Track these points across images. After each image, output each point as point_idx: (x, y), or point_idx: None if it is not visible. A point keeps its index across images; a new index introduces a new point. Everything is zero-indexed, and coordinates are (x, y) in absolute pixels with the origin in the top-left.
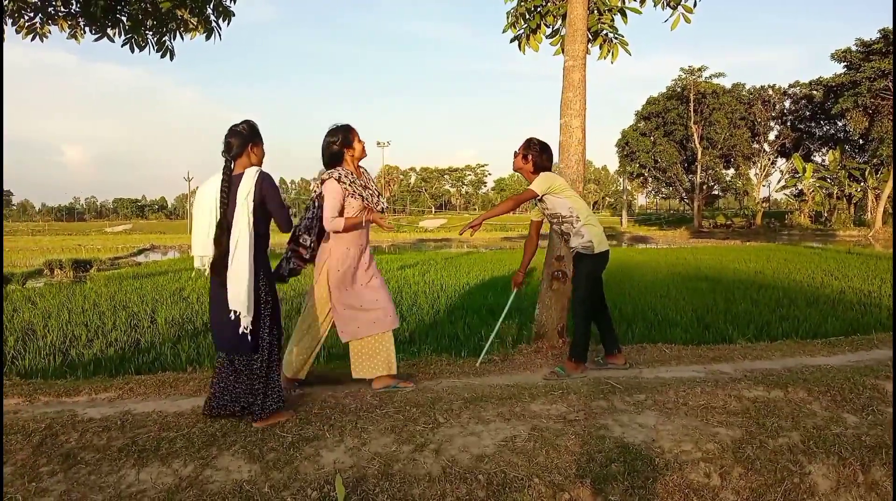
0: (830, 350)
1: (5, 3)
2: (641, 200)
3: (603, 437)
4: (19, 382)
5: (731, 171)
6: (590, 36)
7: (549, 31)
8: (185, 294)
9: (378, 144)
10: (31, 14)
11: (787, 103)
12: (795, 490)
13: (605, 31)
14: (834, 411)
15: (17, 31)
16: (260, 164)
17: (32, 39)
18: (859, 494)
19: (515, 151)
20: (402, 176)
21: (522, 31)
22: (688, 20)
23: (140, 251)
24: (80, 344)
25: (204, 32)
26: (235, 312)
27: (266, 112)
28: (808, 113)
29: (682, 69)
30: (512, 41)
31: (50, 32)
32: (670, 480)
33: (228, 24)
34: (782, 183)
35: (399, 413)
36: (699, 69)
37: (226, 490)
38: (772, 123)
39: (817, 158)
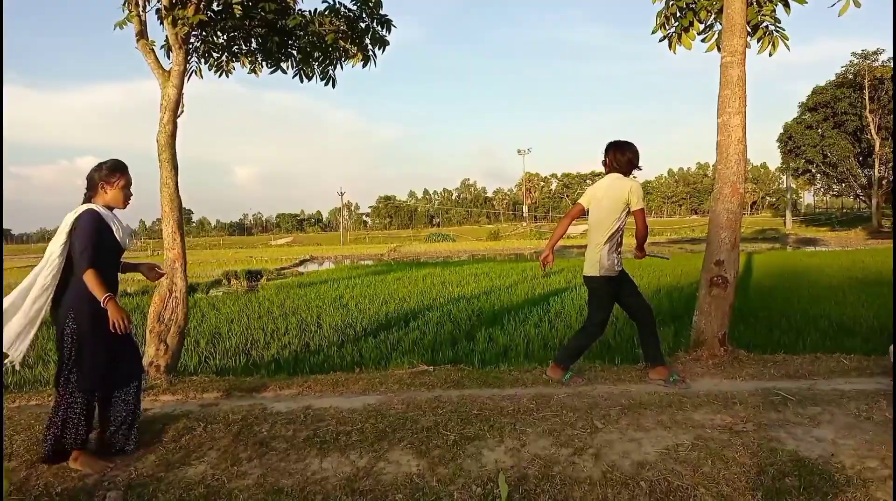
0: None
1: (197, 44)
2: (808, 198)
3: (775, 449)
4: (216, 379)
5: None
6: (748, 29)
7: (701, 27)
8: (344, 301)
9: (518, 152)
10: (218, 54)
11: None
12: None
13: (765, 24)
14: None
15: (210, 69)
16: (119, 201)
17: (220, 76)
18: None
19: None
20: (542, 183)
21: (673, 29)
22: (857, 5)
23: (301, 262)
24: (260, 346)
25: (362, 60)
26: None
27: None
28: None
29: (853, 54)
30: (661, 41)
31: (234, 69)
32: (852, 497)
33: (383, 51)
34: None
35: (556, 417)
36: (875, 53)
37: (398, 481)
38: None
39: None
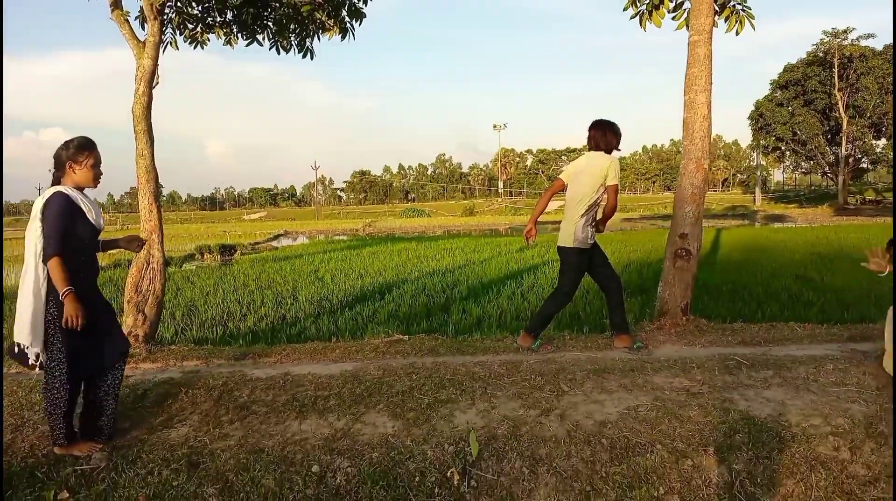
0: None
1: (171, 15)
2: (778, 176)
3: (727, 409)
4: (195, 347)
5: (882, 141)
6: (716, 8)
7: (672, 5)
8: (319, 275)
9: (494, 126)
10: (193, 25)
11: None
12: None
13: (732, 3)
14: None
15: (185, 41)
16: (89, 181)
17: (195, 47)
18: None
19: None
20: (518, 158)
21: (644, 7)
22: None
23: (275, 237)
24: (236, 318)
25: (339, 33)
26: (18, 344)
27: (386, 99)
28: None
29: (824, 32)
30: (633, 17)
31: (209, 40)
32: (797, 452)
33: (360, 24)
34: None
35: (525, 381)
36: (844, 31)
37: (374, 441)
38: None
39: None
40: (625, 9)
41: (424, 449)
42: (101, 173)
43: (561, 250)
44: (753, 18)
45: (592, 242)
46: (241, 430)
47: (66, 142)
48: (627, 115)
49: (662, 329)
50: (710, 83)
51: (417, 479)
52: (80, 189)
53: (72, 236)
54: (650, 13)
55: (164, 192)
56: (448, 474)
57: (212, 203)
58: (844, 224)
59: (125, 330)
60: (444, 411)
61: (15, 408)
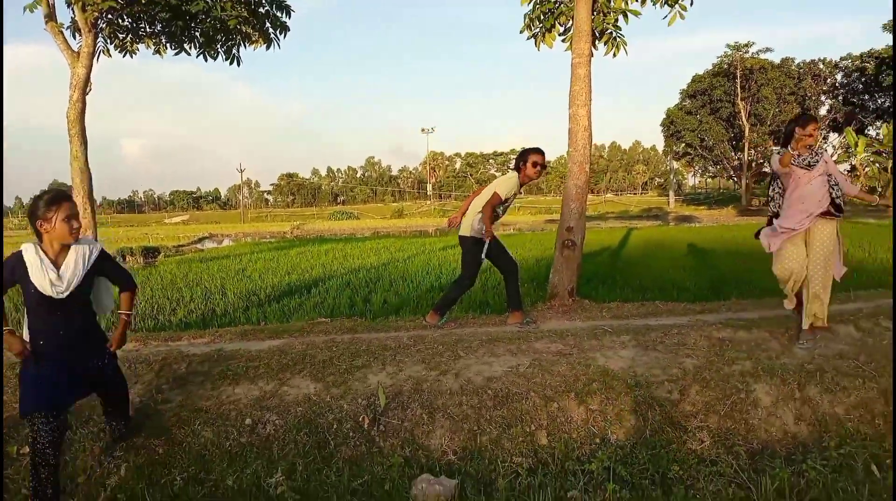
0: None
1: (102, 25)
2: (693, 180)
3: (588, 365)
4: (130, 333)
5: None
6: (597, 34)
7: (562, 29)
8: (247, 273)
9: (423, 130)
10: (123, 35)
11: (838, 77)
12: (741, 403)
13: (609, 31)
14: (787, 346)
15: (116, 49)
16: (65, 235)
17: (124, 56)
18: (795, 407)
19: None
20: (447, 162)
21: (538, 30)
22: (682, 17)
23: (200, 239)
24: (167, 312)
25: (265, 43)
26: None
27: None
28: (860, 86)
29: (728, 45)
30: (528, 39)
31: (138, 49)
32: (638, 394)
33: (285, 36)
34: (835, 158)
35: (429, 350)
36: (745, 45)
37: (299, 399)
38: (823, 98)
39: (871, 132)
40: (521, 31)
41: (341, 404)
42: (79, 225)
43: (462, 239)
44: (626, 45)
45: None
46: (181, 395)
47: (36, 198)
48: (554, 119)
49: (552, 309)
50: (590, 99)
51: (335, 427)
52: (65, 246)
53: (25, 293)
54: (543, 35)
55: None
56: (360, 420)
57: (129, 206)
58: (742, 223)
59: None
60: (358, 374)
61: None
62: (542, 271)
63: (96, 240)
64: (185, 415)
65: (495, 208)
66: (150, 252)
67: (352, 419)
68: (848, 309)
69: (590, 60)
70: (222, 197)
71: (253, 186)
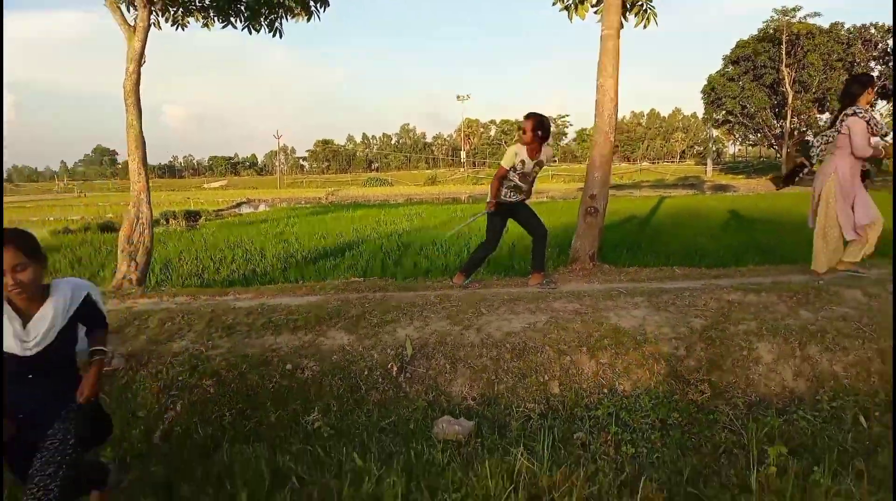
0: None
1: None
2: (733, 149)
3: (601, 323)
4: (182, 288)
5: (826, 115)
6: (627, 6)
7: (594, 0)
8: (284, 237)
9: (458, 97)
10: (174, 9)
11: (890, 42)
12: (744, 359)
13: (641, 2)
14: (794, 309)
15: (167, 22)
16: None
17: (177, 29)
18: (794, 364)
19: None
20: (482, 129)
21: (571, 2)
22: None
23: (238, 204)
24: (211, 272)
25: (306, 16)
26: None
27: (350, 69)
28: None
29: (774, 10)
30: (561, 11)
31: (188, 23)
32: (646, 349)
33: (325, 10)
34: (882, 128)
35: (454, 307)
36: (793, 10)
37: (334, 348)
38: (872, 64)
39: None
40: (553, 3)
41: (372, 354)
42: (19, 280)
43: (487, 205)
44: (656, 16)
45: (514, 200)
46: (228, 342)
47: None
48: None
49: (573, 272)
50: (617, 70)
51: (366, 373)
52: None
53: None
54: (576, 7)
55: (119, 159)
56: (388, 368)
57: (170, 171)
58: (780, 193)
59: (119, 275)
60: (388, 328)
61: None
62: (567, 237)
63: (150, 201)
64: (232, 360)
65: (502, 180)
66: (192, 216)
67: (381, 368)
68: (860, 276)
69: (619, 33)
70: (259, 163)
71: (289, 152)
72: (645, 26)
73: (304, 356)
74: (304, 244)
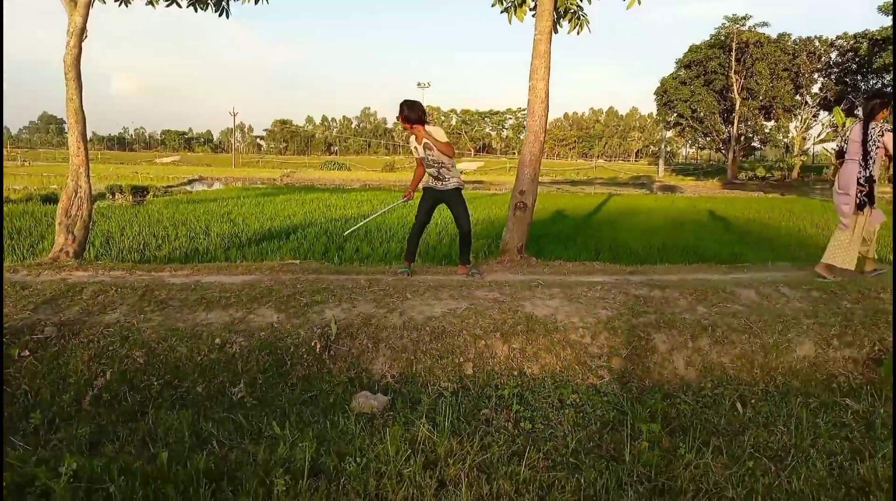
0: (729, 271)
1: None
2: (686, 151)
3: (517, 311)
4: (119, 262)
5: (772, 123)
6: (561, 12)
7: (532, 3)
8: (232, 216)
9: (419, 85)
10: None
11: (833, 55)
12: (642, 348)
13: (574, 10)
14: (692, 304)
15: None
16: None
17: (120, 5)
18: (686, 354)
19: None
20: (442, 117)
21: (510, 4)
22: (639, 2)
23: (189, 181)
24: (152, 248)
25: None
26: None
27: (311, 50)
28: (853, 66)
29: (725, 17)
30: (502, 12)
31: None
32: (555, 337)
33: None
34: (822, 137)
35: (381, 291)
36: (743, 18)
37: (263, 326)
38: (816, 76)
39: (860, 113)
40: (493, 5)
41: (299, 331)
42: None
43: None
44: (589, 23)
45: (431, 186)
46: (160, 316)
47: None
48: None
49: (501, 263)
50: (548, 73)
51: (292, 349)
52: None
53: None
54: (515, 9)
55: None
56: (313, 345)
57: (120, 144)
58: (721, 196)
59: (56, 247)
60: (316, 308)
61: None
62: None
63: (89, 175)
64: (163, 333)
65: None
66: (140, 191)
67: (307, 345)
68: (762, 277)
69: (550, 37)
70: (214, 139)
71: (246, 130)
72: (578, 32)
73: (233, 331)
74: (250, 226)
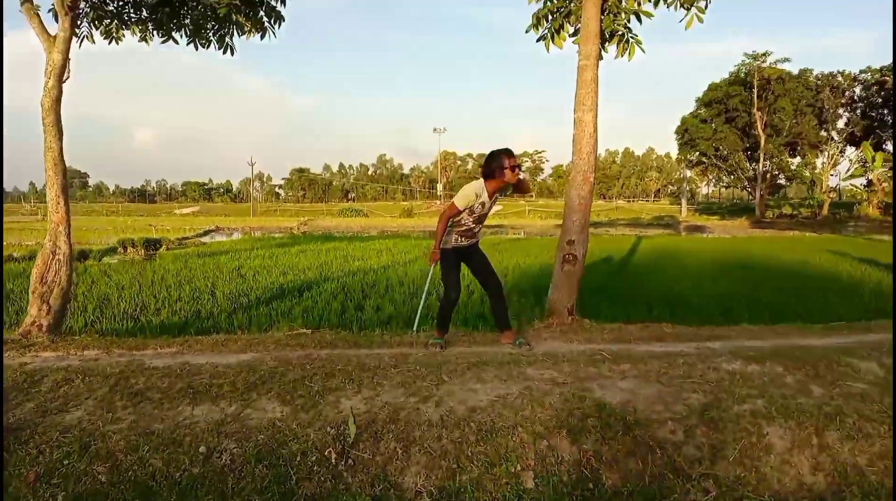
0: (825, 334)
1: (86, 9)
2: (706, 189)
3: (584, 397)
4: (98, 338)
5: (797, 159)
6: (606, 35)
7: (571, 30)
8: (242, 271)
9: (434, 130)
10: (109, 21)
11: (857, 90)
12: (752, 447)
13: (621, 32)
14: (804, 383)
15: (101, 35)
16: None
17: (110, 43)
18: (812, 454)
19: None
20: (458, 162)
21: (546, 30)
22: (700, 20)
23: (206, 232)
24: (150, 312)
25: (259, 33)
26: None
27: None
28: (879, 100)
29: (745, 55)
30: (538, 41)
31: (124, 36)
32: (638, 434)
33: (279, 26)
34: (850, 172)
35: (410, 372)
36: (763, 55)
37: (262, 425)
38: (841, 111)
39: (889, 147)
40: (527, 31)
41: (308, 432)
42: None
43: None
44: (641, 44)
45: (461, 244)
46: (133, 414)
47: None
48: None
49: (549, 328)
50: (596, 104)
51: (299, 459)
52: None
53: None
54: (552, 36)
55: (91, 182)
56: (326, 453)
57: (142, 196)
58: (755, 236)
59: (28, 320)
60: (330, 398)
61: None
62: (545, 280)
63: (69, 235)
64: (133, 439)
65: (452, 218)
66: (152, 244)
67: (318, 451)
68: (869, 341)
69: (597, 63)
70: (234, 189)
71: (265, 179)
72: (629, 58)
73: (223, 434)
74: (260, 282)
